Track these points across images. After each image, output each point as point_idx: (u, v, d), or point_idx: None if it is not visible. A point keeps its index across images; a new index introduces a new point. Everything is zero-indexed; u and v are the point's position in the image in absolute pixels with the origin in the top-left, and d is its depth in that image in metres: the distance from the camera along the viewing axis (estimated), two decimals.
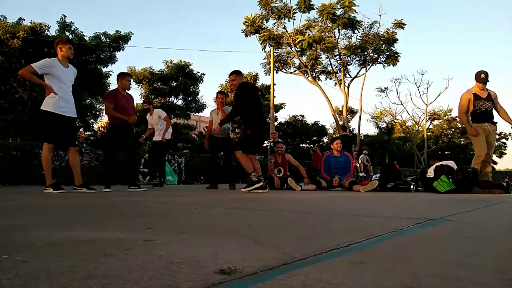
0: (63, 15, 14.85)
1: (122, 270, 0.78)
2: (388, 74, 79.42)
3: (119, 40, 15.46)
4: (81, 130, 17.43)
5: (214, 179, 6.47)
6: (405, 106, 47.72)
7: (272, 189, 6.23)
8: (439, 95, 34.94)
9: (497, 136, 6.25)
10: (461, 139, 37.91)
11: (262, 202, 3.07)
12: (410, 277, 0.77)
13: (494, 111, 5.51)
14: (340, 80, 21.35)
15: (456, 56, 68.21)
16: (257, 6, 19.51)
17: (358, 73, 21.71)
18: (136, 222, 1.75)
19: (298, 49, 19.95)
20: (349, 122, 28.69)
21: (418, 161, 30.23)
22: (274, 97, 18.24)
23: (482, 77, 5.38)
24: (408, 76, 73.53)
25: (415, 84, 36.47)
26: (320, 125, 28.96)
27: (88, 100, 16.40)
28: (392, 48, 20.77)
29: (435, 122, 36.10)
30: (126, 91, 5.22)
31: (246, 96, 4.80)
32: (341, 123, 21.76)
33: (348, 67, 21.66)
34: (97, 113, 17.45)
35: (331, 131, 31.20)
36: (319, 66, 21.36)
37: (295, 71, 21.73)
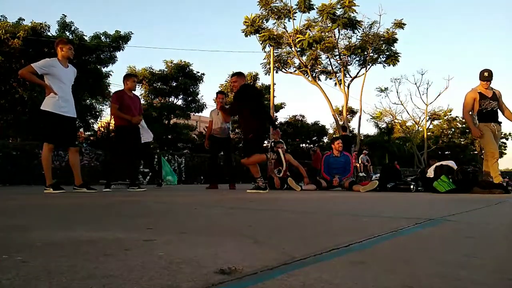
0: (63, 15, 14.87)
1: (122, 270, 0.78)
2: (388, 74, 79.40)
3: (119, 40, 15.47)
4: (81, 130, 17.45)
5: (214, 179, 6.47)
6: (405, 106, 47.81)
7: (272, 189, 6.23)
8: (439, 95, 34.93)
9: None
10: (461, 139, 37.95)
11: (262, 202, 3.07)
12: (410, 277, 0.77)
13: (498, 111, 5.41)
14: (340, 80, 21.36)
15: (456, 56, 68.30)
16: (257, 6, 19.54)
17: (358, 73, 21.74)
18: (136, 222, 1.75)
19: (298, 49, 19.95)
20: (349, 122, 28.71)
21: (418, 161, 30.25)
22: (274, 97, 18.24)
23: (485, 75, 5.28)
24: (408, 76, 73.59)
25: (415, 84, 36.56)
26: (320, 125, 28.97)
27: (88, 100, 16.41)
28: (392, 48, 20.78)
29: (435, 122, 36.16)
30: (133, 92, 5.31)
31: (245, 97, 4.78)
32: (341, 123, 21.76)
33: (348, 67, 21.68)
34: (97, 113, 17.48)
35: (331, 131, 31.22)
36: (319, 66, 21.36)
37: (295, 71, 21.74)
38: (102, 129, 19.22)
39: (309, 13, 19.68)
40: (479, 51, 66.45)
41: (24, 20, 13.98)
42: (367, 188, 5.73)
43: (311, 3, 19.17)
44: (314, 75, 21.39)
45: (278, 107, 25.41)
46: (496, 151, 5.22)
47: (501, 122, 5.43)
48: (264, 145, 5.40)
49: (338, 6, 18.84)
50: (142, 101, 11.38)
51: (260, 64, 22.81)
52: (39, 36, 13.42)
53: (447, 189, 5.01)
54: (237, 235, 1.31)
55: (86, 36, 15.10)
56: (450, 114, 35.84)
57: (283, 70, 21.82)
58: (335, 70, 21.61)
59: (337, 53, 20.85)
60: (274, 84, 18.03)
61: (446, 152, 34.45)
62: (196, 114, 22.35)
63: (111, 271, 0.77)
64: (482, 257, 0.99)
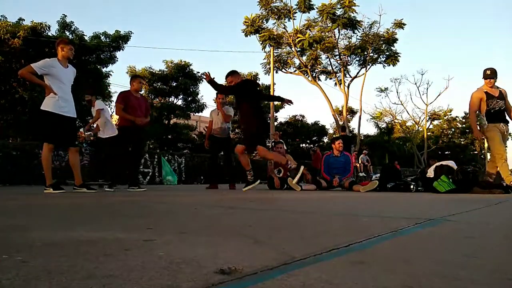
0: (63, 14, 14.88)
1: (122, 270, 0.78)
2: (388, 74, 79.29)
3: (119, 40, 15.48)
4: (81, 130, 17.45)
5: (214, 179, 6.47)
6: (405, 106, 47.73)
7: (272, 189, 6.23)
8: (439, 95, 34.92)
9: None
10: (461, 139, 37.97)
11: (262, 202, 3.07)
12: (410, 277, 0.77)
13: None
14: (340, 80, 21.36)
15: (456, 56, 68.20)
16: (257, 6, 19.54)
17: (358, 73, 21.75)
18: (136, 222, 1.75)
19: (298, 49, 19.96)
20: (349, 122, 28.72)
21: (418, 161, 30.25)
22: None
23: (487, 73, 5.15)
24: (408, 76, 73.51)
25: (415, 84, 36.54)
26: (320, 125, 28.99)
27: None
28: (392, 48, 20.78)
29: (435, 122, 36.17)
30: (140, 93, 5.36)
31: (245, 91, 4.73)
32: (341, 123, 21.77)
33: (348, 67, 21.69)
34: None
35: (331, 131, 31.23)
36: (319, 66, 21.37)
37: (295, 71, 21.75)
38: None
39: (309, 13, 19.71)
40: (479, 51, 66.47)
41: (24, 20, 14.00)
42: (367, 188, 5.73)
43: (311, 3, 19.19)
44: (314, 75, 21.40)
45: (278, 107, 25.41)
46: (504, 152, 5.10)
47: (508, 122, 5.28)
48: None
49: (338, 6, 18.85)
50: None
51: (260, 64, 22.84)
52: (39, 36, 13.42)
53: (447, 189, 5.01)
54: (237, 235, 1.31)
55: (86, 36, 15.12)
56: (450, 114, 35.88)
57: (283, 70, 21.83)
58: (335, 70, 21.63)
59: (337, 53, 20.86)
60: (274, 84, 18.04)
61: (446, 152, 34.45)
62: (196, 114, 22.36)
63: (111, 271, 0.77)
64: (482, 257, 0.99)
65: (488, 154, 36.51)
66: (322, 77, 22.26)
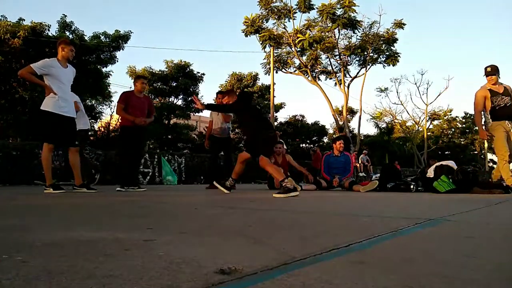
0: (63, 14, 14.88)
1: (122, 270, 0.78)
2: (388, 74, 79.23)
3: (119, 40, 15.47)
4: None
5: (214, 179, 6.47)
6: (405, 106, 47.71)
7: (272, 189, 6.23)
8: (439, 95, 34.91)
9: None
10: (461, 139, 37.98)
11: (262, 202, 3.07)
12: (410, 277, 0.77)
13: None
14: (340, 80, 21.35)
15: (456, 56, 68.18)
16: (257, 6, 19.54)
17: (358, 73, 21.72)
18: (136, 222, 1.75)
19: (298, 49, 19.95)
20: (349, 122, 28.70)
21: (418, 161, 30.25)
22: (274, 97, 18.25)
23: (488, 70, 5.02)
24: (408, 76, 73.49)
25: (415, 84, 36.54)
26: (320, 125, 28.98)
27: (88, 101, 16.41)
28: (392, 48, 20.77)
29: (435, 122, 36.17)
30: (143, 93, 5.36)
31: (244, 106, 4.58)
32: (341, 123, 21.78)
33: (348, 67, 21.67)
34: (97, 114, 17.48)
35: (331, 131, 31.23)
36: (319, 66, 21.36)
37: (295, 71, 21.74)
38: (102, 129, 19.23)
39: (309, 13, 19.69)
40: (479, 51, 66.44)
41: (24, 20, 13.99)
42: (367, 188, 5.73)
43: (311, 3, 19.18)
44: (314, 75, 21.39)
45: (278, 107, 25.42)
46: (506, 152, 4.94)
47: None
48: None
49: (338, 6, 18.84)
50: None
51: (260, 64, 22.83)
52: (39, 36, 13.42)
53: (447, 189, 5.00)
54: (237, 235, 1.31)
55: (86, 36, 15.12)
56: (450, 114, 35.89)
57: (283, 70, 21.82)
58: (335, 70, 21.62)
59: (337, 53, 20.86)
60: (274, 84, 18.04)
61: (446, 152, 34.47)
62: (196, 114, 22.39)
63: (111, 271, 0.77)
64: (482, 257, 0.99)
65: (489, 155, 36.23)
66: (322, 77, 22.27)
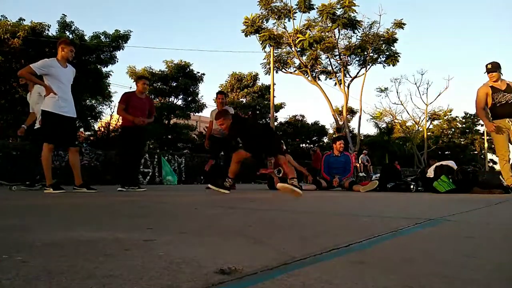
0: (63, 14, 14.87)
1: (122, 270, 0.78)
2: (388, 74, 79.21)
3: (119, 40, 15.47)
4: (81, 130, 17.45)
5: (214, 179, 6.47)
6: (405, 106, 47.56)
7: (272, 189, 6.23)
8: (439, 95, 34.86)
9: None
10: (461, 139, 37.98)
11: (262, 202, 3.07)
12: (410, 277, 0.77)
13: None
14: (340, 80, 21.36)
15: (456, 56, 68.18)
16: (257, 6, 19.55)
17: (358, 73, 21.73)
18: (136, 222, 1.75)
19: (298, 49, 19.96)
20: (349, 122, 28.71)
21: (418, 161, 30.25)
22: (274, 97, 18.25)
23: (488, 67, 4.91)
24: (408, 76, 73.38)
25: (415, 84, 36.52)
26: (320, 125, 28.98)
27: (88, 100, 16.42)
28: (392, 48, 20.78)
29: (435, 122, 36.17)
30: (145, 94, 5.38)
31: (240, 131, 4.54)
32: (341, 123, 21.77)
33: (348, 67, 21.67)
34: (97, 114, 17.48)
35: (331, 131, 31.22)
36: (319, 66, 21.36)
37: (295, 71, 21.74)
38: (102, 129, 19.23)
39: (309, 13, 19.70)
40: (480, 51, 66.44)
41: (24, 20, 13.98)
42: (367, 188, 5.73)
43: (311, 3, 19.19)
44: (314, 75, 21.39)
45: (278, 107, 25.41)
46: (506, 153, 4.85)
47: None
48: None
49: (338, 6, 18.85)
50: None
51: (260, 64, 22.82)
52: (39, 36, 13.42)
53: (447, 189, 5.01)
54: (237, 235, 1.31)
55: (86, 36, 15.12)
56: (450, 114, 35.90)
57: (283, 70, 21.83)
58: (335, 70, 21.62)
59: (337, 53, 20.86)
60: (274, 84, 18.03)
61: (446, 152, 34.47)
62: (196, 114, 22.37)
63: (111, 271, 0.77)
64: (482, 257, 0.99)
65: (489, 155, 36.16)
66: (322, 77, 22.27)
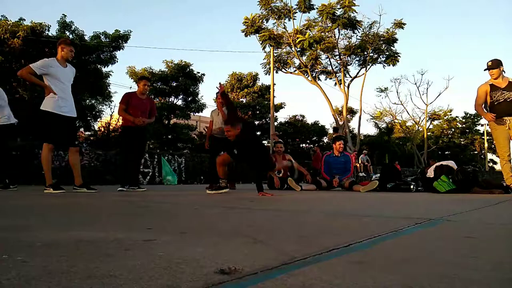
0: (63, 14, 14.86)
1: (122, 270, 0.78)
2: (388, 74, 79.42)
3: (119, 40, 15.47)
4: (81, 130, 17.45)
5: (214, 179, 6.47)
6: (405, 106, 47.64)
7: (272, 189, 6.23)
8: (439, 95, 35.04)
9: None
10: (461, 139, 37.99)
11: (262, 202, 3.07)
12: (410, 277, 0.77)
13: None
14: (340, 80, 21.36)
15: (456, 56, 68.21)
16: (257, 6, 19.56)
17: (358, 73, 21.75)
18: (136, 222, 1.75)
19: (298, 49, 19.97)
20: (349, 122, 28.72)
21: (418, 161, 30.26)
22: (274, 97, 18.25)
23: (488, 65, 4.80)
24: (408, 76, 73.47)
25: (415, 84, 36.56)
26: (320, 125, 28.99)
27: (88, 100, 16.41)
28: (392, 48, 20.79)
29: (435, 122, 36.19)
30: (146, 94, 5.39)
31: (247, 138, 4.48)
32: (341, 123, 21.77)
33: (348, 67, 21.68)
34: (97, 113, 17.48)
35: (331, 131, 31.23)
36: (319, 66, 21.37)
37: (295, 71, 21.75)
38: (102, 129, 19.22)
39: (309, 13, 19.73)
40: (480, 51, 66.46)
41: (24, 20, 13.98)
42: (367, 188, 5.73)
43: (311, 3, 19.21)
44: (314, 75, 21.40)
45: (278, 107, 25.42)
46: (505, 153, 4.76)
47: None
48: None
49: (338, 6, 18.86)
50: None
51: (260, 64, 22.86)
52: (38, 36, 13.41)
53: (447, 189, 5.01)
54: (237, 235, 1.31)
55: (86, 36, 15.12)
56: (450, 114, 35.91)
57: (283, 70, 21.84)
58: (335, 70, 21.63)
59: (337, 53, 20.86)
60: (274, 84, 18.03)
61: (446, 152, 34.49)
62: (196, 114, 22.38)
63: (111, 271, 0.77)
64: (482, 257, 0.99)
65: (489, 155, 36.13)
66: (322, 77, 22.29)
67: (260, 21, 19.91)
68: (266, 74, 21.84)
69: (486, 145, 34.98)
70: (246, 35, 20.17)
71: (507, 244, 1.29)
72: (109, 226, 1.57)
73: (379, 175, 7.29)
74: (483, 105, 4.96)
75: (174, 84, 20.56)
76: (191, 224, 1.70)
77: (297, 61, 21.22)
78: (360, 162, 16.13)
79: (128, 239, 1.17)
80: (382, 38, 20.30)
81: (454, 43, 68.40)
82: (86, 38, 15.03)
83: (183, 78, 20.35)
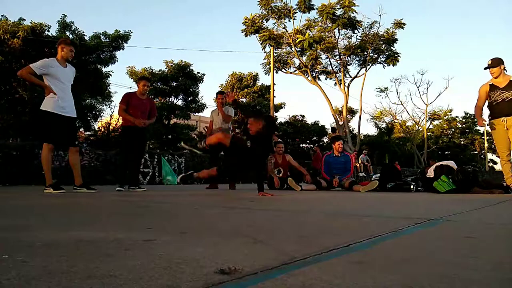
0: (63, 14, 14.87)
1: (122, 270, 0.78)
2: (388, 74, 79.50)
3: (119, 40, 15.47)
4: (81, 130, 17.45)
5: (214, 179, 6.47)
6: (405, 106, 47.61)
7: (271, 189, 6.23)
8: (439, 95, 35.00)
9: None
10: (461, 139, 37.99)
11: (262, 202, 3.07)
12: (410, 277, 0.77)
13: None
14: (340, 80, 21.36)
15: (456, 56, 68.24)
16: (257, 6, 19.55)
17: (358, 73, 21.73)
18: (136, 222, 1.75)
19: (298, 49, 19.96)
20: (349, 122, 28.73)
21: (418, 161, 30.26)
22: (274, 97, 18.25)
23: (488, 63, 4.72)
24: (408, 76, 73.47)
25: (415, 84, 36.56)
26: (320, 125, 28.99)
27: (88, 100, 16.41)
28: (392, 48, 20.78)
29: (435, 122, 36.20)
30: (146, 95, 5.39)
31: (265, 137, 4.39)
32: (341, 123, 21.77)
33: (348, 67, 21.67)
34: (97, 113, 17.48)
35: (331, 131, 31.23)
36: (319, 66, 21.36)
37: (295, 71, 21.74)
38: (102, 129, 19.22)
39: (309, 13, 19.71)
40: (480, 51, 66.50)
41: (24, 20, 13.98)
42: (367, 188, 5.73)
43: (311, 3, 19.19)
44: (314, 75, 21.39)
45: (278, 107, 25.43)
46: (504, 153, 4.70)
47: None
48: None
49: (338, 6, 18.85)
50: None
51: (260, 64, 22.83)
52: (38, 36, 13.41)
53: (447, 189, 5.00)
54: (237, 235, 1.31)
55: (86, 36, 15.13)
56: (450, 114, 35.92)
57: (283, 70, 21.82)
58: (335, 70, 21.61)
59: (337, 53, 20.86)
60: (274, 84, 18.03)
61: (446, 152, 34.48)
62: (196, 114, 22.38)
63: (111, 271, 0.77)
64: (482, 257, 0.99)
65: (489, 155, 36.12)
66: (322, 77, 22.26)
67: (260, 21, 19.90)
68: (266, 74, 21.84)
69: (486, 145, 34.96)
70: (246, 35, 20.17)
71: (507, 244, 1.29)
72: (109, 226, 1.57)
73: (379, 175, 7.29)
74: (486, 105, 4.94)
75: (174, 84, 20.56)
76: (191, 224, 1.70)
77: (297, 61, 21.23)
78: (360, 162, 16.13)
79: (128, 239, 1.17)
80: (382, 38, 20.29)
81: (454, 43, 68.48)
82: (86, 38, 15.03)
83: (183, 78, 20.35)
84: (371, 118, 33.23)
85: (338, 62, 21.35)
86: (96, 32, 15.18)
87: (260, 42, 20.03)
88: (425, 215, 2.01)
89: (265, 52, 20.56)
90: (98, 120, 18.15)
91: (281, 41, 20.03)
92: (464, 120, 37.51)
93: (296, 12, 19.65)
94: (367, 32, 20.28)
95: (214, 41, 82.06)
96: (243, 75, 25.45)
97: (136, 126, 5.06)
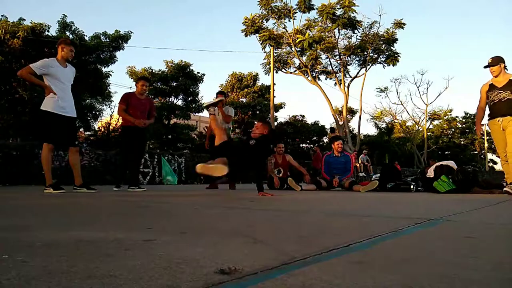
0: (63, 14, 14.86)
1: (122, 270, 0.78)
2: (388, 74, 79.52)
3: (119, 40, 15.46)
4: (81, 130, 17.44)
5: (214, 179, 6.46)
6: (405, 106, 47.60)
7: (271, 189, 6.23)
8: (439, 95, 35.00)
9: None
10: (461, 139, 37.98)
11: (262, 202, 3.07)
12: (410, 277, 0.77)
13: None
14: (340, 80, 21.35)
15: (456, 56, 68.24)
16: (257, 6, 19.55)
17: (358, 73, 21.72)
18: (136, 222, 1.75)
19: (298, 49, 19.96)
20: (349, 122, 28.72)
21: (418, 161, 30.25)
22: (274, 97, 18.25)
23: (488, 62, 4.67)
24: (408, 76, 73.46)
25: (415, 84, 36.57)
26: (320, 125, 28.99)
27: (88, 100, 16.41)
28: (392, 48, 20.77)
29: (435, 122, 36.19)
30: (146, 95, 5.40)
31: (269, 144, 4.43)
32: (341, 123, 21.77)
33: (348, 67, 21.66)
34: (97, 113, 17.47)
35: (329, 131, 31.21)
36: (319, 66, 21.35)
37: (295, 71, 21.73)
38: (102, 129, 19.21)
39: (309, 13, 19.70)
40: (480, 51, 66.50)
41: (24, 20, 13.97)
42: (367, 188, 5.73)
43: (311, 3, 19.19)
44: (314, 75, 21.38)
45: (278, 107, 25.42)
46: (502, 152, 4.66)
47: None
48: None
49: (338, 6, 18.85)
50: None
51: (260, 64, 22.83)
52: (38, 36, 13.41)
53: (447, 189, 5.01)
54: (237, 235, 1.31)
55: (86, 36, 15.12)
56: (450, 114, 35.91)
57: (283, 70, 21.82)
58: (335, 70, 21.61)
59: (337, 53, 20.85)
60: (274, 84, 18.03)
61: (446, 152, 34.46)
62: (196, 114, 22.37)
63: (111, 271, 0.77)
64: (482, 257, 0.99)
65: (489, 155, 36.14)
66: (322, 77, 22.25)
67: (260, 21, 19.89)
68: (266, 74, 21.82)
69: (486, 145, 34.96)
70: (246, 35, 20.16)
71: (507, 244, 1.29)
72: (109, 226, 1.57)
73: (379, 175, 7.29)
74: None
75: (174, 84, 20.56)
76: (191, 224, 1.70)
77: (297, 61, 21.22)
78: (360, 162, 16.13)
79: (128, 239, 1.17)
80: (382, 38, 20.28)
81: (454, 43, 68.45)
82: (86, 38, 15.02)
83: (183, 78, 20.35)
84: (371, 118, 33.25)
85: (338, 62, 21.35)
86: (96, 32, 15.18)
87: (260, 42, 20.03)
88: (425, 215, 2.01)
89: (265, 52, 20.57)
90: (98, 120, 18.15)
91: (281, 41, 20.02)
92: (464, 120, 37.50)
93: (296, 12, 19.65)
94: (367, 32, 20.27)
95: (214, 41, 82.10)
96: (243, 75, 25.45)
97: (136, 126, 5.07)
